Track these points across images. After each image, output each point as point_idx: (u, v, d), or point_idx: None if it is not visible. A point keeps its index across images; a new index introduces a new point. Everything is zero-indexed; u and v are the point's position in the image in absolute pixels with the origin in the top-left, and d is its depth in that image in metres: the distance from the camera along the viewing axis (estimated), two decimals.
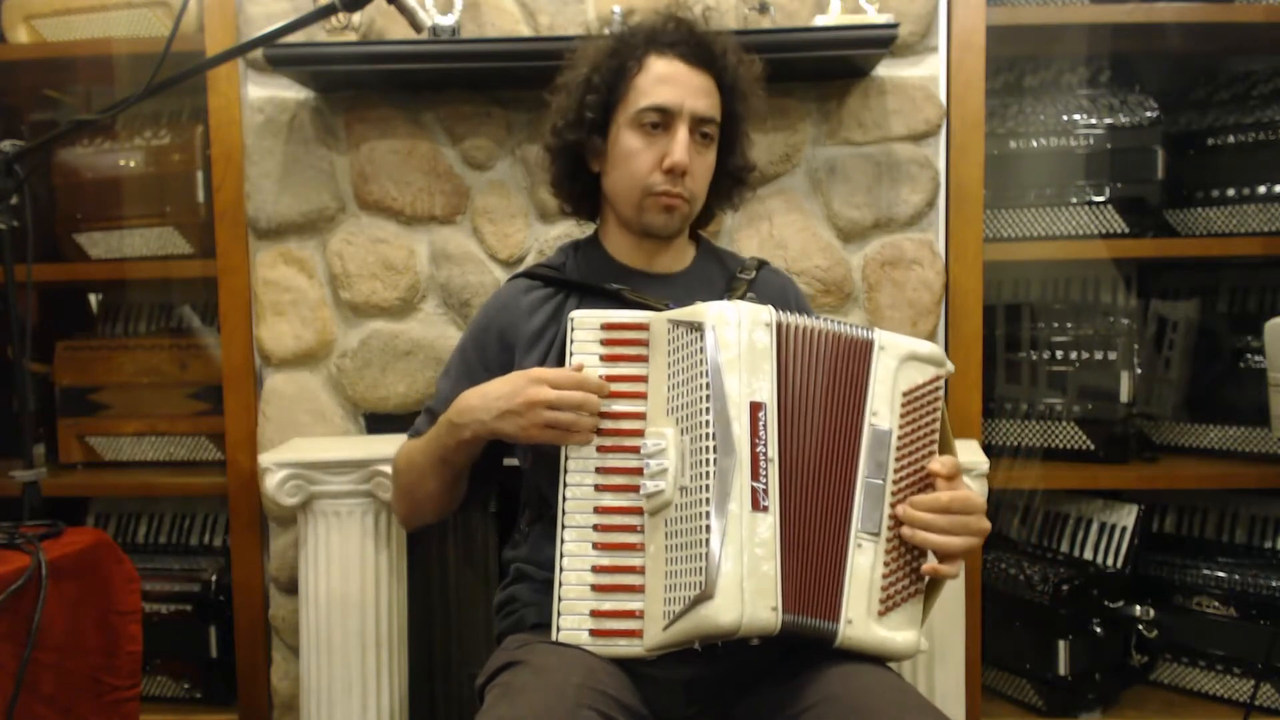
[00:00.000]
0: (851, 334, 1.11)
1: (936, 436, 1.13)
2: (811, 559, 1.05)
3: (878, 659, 1.08)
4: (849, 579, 1.05)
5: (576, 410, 1.11)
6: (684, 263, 1.34)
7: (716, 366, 1.05)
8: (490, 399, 1.16)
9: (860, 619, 1.05)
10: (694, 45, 1.25)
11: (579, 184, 1.34)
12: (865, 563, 1.06)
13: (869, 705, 1.00)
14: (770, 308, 1.11)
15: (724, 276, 1.34)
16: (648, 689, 1.11)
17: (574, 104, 1.28)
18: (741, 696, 1.13)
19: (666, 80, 1.23)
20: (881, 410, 1.09)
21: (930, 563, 1.07)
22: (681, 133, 1.22)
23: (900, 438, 1.10)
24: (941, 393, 1.14)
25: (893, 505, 1.08)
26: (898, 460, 1.09)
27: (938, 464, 1.10)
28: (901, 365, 1.11)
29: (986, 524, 1.11)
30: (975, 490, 1.10)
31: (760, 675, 1.13)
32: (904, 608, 1.08)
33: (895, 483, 1.09)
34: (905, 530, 1.07)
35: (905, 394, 1.11)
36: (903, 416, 1.10)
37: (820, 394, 1.09)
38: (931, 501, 1.08)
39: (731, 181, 1.35)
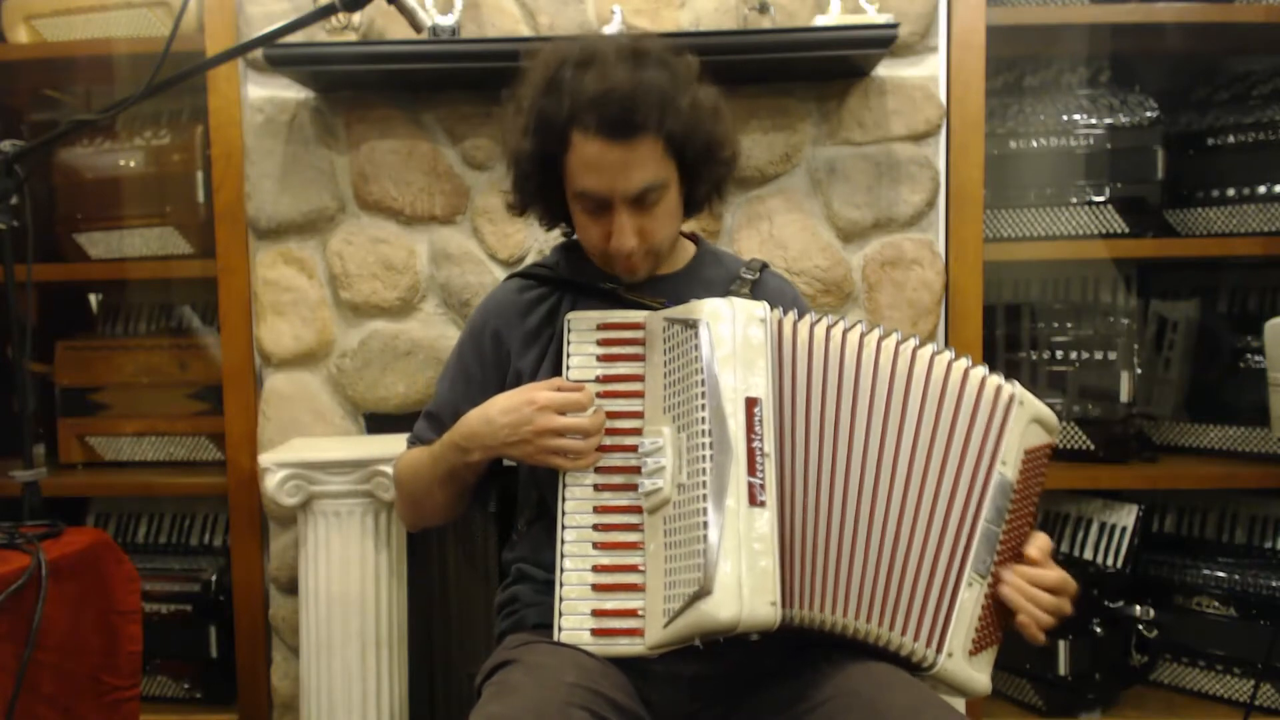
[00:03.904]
0: (988, 377, 1.11)
1: (1039, 500, 1.14)
2: (887, 571, 1.05)
3: (909, 679, 1.08)
4: (957, 612, 1.06)
5: (584, 437, 1.12)
6: (680, 263, 1.34)
7: (711, 363, 1.05)
8: (496, 425, 1.15)
9: (958, 653, 1.06)
10: (614, 119, 1.09)
11: (558, 220, 1.31)
12: (971, 600, 1.07)
13: (885, 701, 0.99)
14: (765, 304, 1.10)
15: (723, 277, 1.33)
16: (652, 687, 1.11)
17: (517, 178, 1.23)
18: (751, 693, 1.13)
19: (592, 167, 1.12)
20: (1010, 461, 1.10)
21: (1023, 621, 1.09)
22: (620, 217, 1.15)
23: (1015, 491, 1.11)
24: (1048, 462, 1.16)
25: (998, 554, 1.09)
26: (1010, 513, 1.10)
27: (1035, 550, 1.12)
28: (1029, 425, 1.12)
29: (1070, 609, 1.12)
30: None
31: (769, 672, 1.13)
32: (988, 651, 1.09)
33: (1005, 533, 1.10)
34: (1006, 590, 1.08)
35: (1027, 452, 1.12)
36: (1020, 472, 1.11)
37: (881, 405, 1.08)
38: (1053, 580, 1.10)
39: (709, 194, 1.27)
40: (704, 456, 1.02)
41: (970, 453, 1.09)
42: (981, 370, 1.12)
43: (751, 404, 1.04)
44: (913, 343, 1.11)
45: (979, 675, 1.07)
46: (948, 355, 1.11)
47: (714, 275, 1.33)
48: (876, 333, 1.11)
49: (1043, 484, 1.15)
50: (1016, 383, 1.13)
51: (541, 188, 1.22)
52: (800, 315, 1.12)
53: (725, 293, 1.26)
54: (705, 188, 1.24)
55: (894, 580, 1.05)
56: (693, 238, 1.38)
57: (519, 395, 1.16)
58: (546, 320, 1.27)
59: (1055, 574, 1.10)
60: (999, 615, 1.10)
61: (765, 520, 1.01)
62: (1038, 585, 1.09)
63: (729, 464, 1.01)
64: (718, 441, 1.02)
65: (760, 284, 1.32)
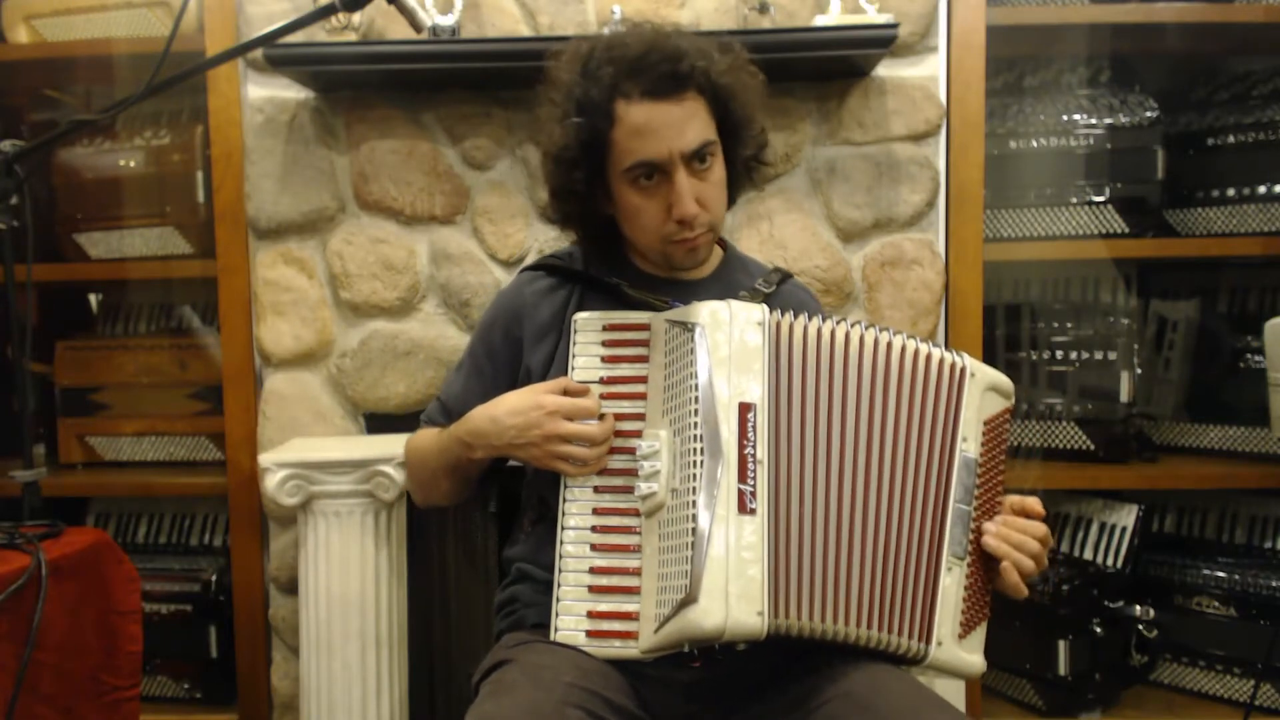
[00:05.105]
0: (940, 355, 1.10)
1: (1004, 468, 1.14)
2: (874, 573, 1.04)
3: (900, 669, 1.08)
4: (940, 601, 1.06)
5: (591, 445, 1.11)
6: (708, 269, 1.33)
7: (706, 367, 1.03)
8: (503, 426, 1.14)
9: (948, 641, 1.06)
10: (660, 75, 1.12)
11: (595, 228, 1.29)
12: (953, 585, 1.07)
13: (886, 703, 0.99)
14: (764, 307, 1.08)
15: (748, 285, 1.31)
16: (648, 689, 1.11)
17: (560, 177, 1.22)
18: (749, 697, 1.12)
19: (644, 131, 1.13)
20: (970, 437, 1.10)
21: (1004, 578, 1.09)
22: (680, 180, 1.14)
23: (980, 465, 1.11)
24: (1009, 425, 1.16)
25: (973, 531, 1.09)
26: (978, 488, 1.10)
27: (1035, 503, 1.12)
28: (984, 394, 1.12)
29: (1046, 563, 1.14)
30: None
31: (766, 676, 1.13)
32: (978, 630, 1.10)
33: (977, 509, 1.10)
34: (990, 541, 1.09)
35: (986, 423, 1.11)
36: (983, 445, 1.11)
37: (866, 403, 1.07)
38: (1039, 530, 1.11)
39: (750, 166, 1.28)
40: (696, 462, 1.01)
41: (936, 435, 1.09)
42: (935, 350, 1.11)
43: (745, 409, 1.03)
44: (888, 334, 1.10)
45: (970, 657, 1.09)
46: (900, 339, 1.10)
47: (740, 282, 1.32)
48: (859, 328, 1.09)
49: (1006, 448, 1.15)
50: (966, 354, 1.12)
51: (586, 180, 1.19)
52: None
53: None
54: (745, 155, 1.25)
55: (882, 581, 1.05)
56: (721, 243, 1.37)
57: (527, 398, 1.15)
58: (558, 312, 1.26)
59: (1039, 526, 1.12)
60: (983, 589, 1.10)
61: (754, 528, 0.99)
62: (1024, 532, 1.10)
63: (720, 470, 1.00)
64: (709, 447, 1.01)
65: (775, 296, 1.30)
